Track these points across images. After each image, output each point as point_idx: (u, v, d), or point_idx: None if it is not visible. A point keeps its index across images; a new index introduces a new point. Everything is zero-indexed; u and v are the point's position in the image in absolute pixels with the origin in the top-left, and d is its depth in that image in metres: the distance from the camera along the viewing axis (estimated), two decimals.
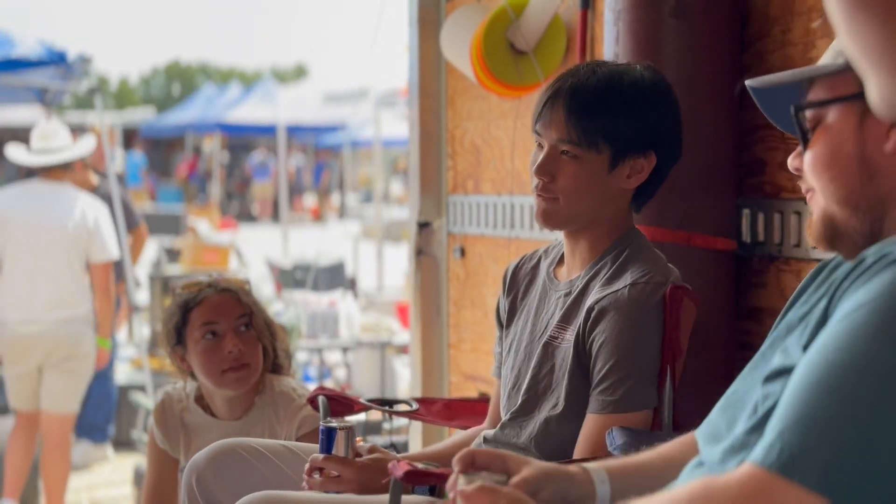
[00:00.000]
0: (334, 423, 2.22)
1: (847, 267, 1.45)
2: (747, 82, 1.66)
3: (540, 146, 2.28)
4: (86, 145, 5.38)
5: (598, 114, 2.20)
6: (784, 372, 1.43)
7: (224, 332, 2.78)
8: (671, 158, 2.29)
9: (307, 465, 2.24)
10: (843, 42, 1.19)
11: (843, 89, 1.47)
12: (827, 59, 1.52)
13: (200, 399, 2.88)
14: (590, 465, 1.70)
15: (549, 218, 2.27)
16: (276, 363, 2.89)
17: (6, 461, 5.16)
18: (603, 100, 2.21)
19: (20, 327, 4.95)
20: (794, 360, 1.41)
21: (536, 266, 2.44)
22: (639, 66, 2.29)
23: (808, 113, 1.51)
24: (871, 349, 1.24)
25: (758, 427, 1.43)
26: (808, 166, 1.51)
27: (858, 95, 1.43)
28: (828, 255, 2.35)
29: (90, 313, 5.11)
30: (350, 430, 2.22)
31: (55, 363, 5.01)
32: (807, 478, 1.20)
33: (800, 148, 1.54)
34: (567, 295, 2.28)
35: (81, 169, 5.60)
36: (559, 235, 2.38)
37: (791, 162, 1.57)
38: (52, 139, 5.17)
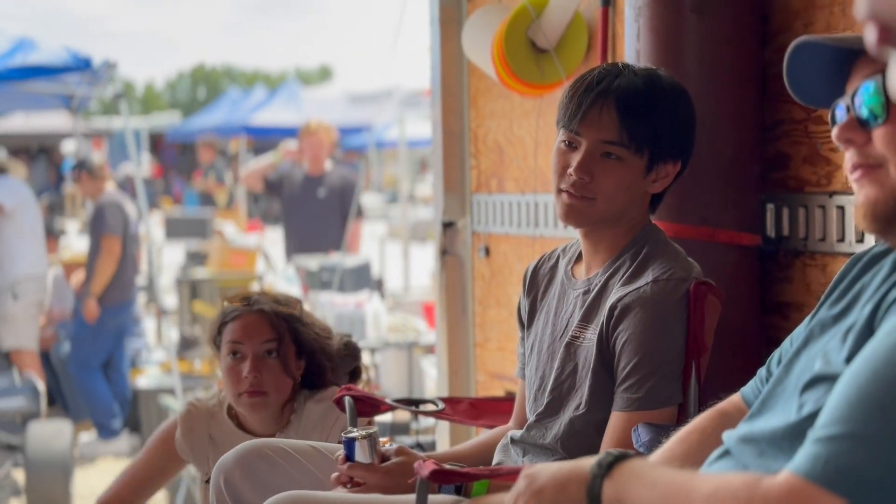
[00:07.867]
0: (355, 433, 2.21)
1: (888, 272, 1.41)
2: (801, 38, 1.59)
3: (569, 144, 2.25)
4: None
5: (649, 118, 2.20)
6: (824, 379, 1.41)
7: (246, 354, 2.73)
8: (686, 167, 2.30)
9: (334, 476, 2.24)
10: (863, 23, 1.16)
11: None
12: None
13: (232, 409, 2.83)
14: None
15: (579, 217, 2.25)
16: (325, 378, 2.80)
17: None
18: (653, 104, 2.21)
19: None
20: (835, 370, 1.39)
21: (555, 265, 2.43)
22: (662, 72, 2.29)
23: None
24: None
25: (793, 433, 1.41)
26: (884, 140, 1.44)
27: None
28: (856, 249, 2.32)
29: None
30: (371, 437, 2.20)
31: None
32: (854, 495, 1.19)
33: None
34: (586, 293, 2.28)
35: (87, 179, 7.18)
36: (577, 233, 2.38)
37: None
38: None
